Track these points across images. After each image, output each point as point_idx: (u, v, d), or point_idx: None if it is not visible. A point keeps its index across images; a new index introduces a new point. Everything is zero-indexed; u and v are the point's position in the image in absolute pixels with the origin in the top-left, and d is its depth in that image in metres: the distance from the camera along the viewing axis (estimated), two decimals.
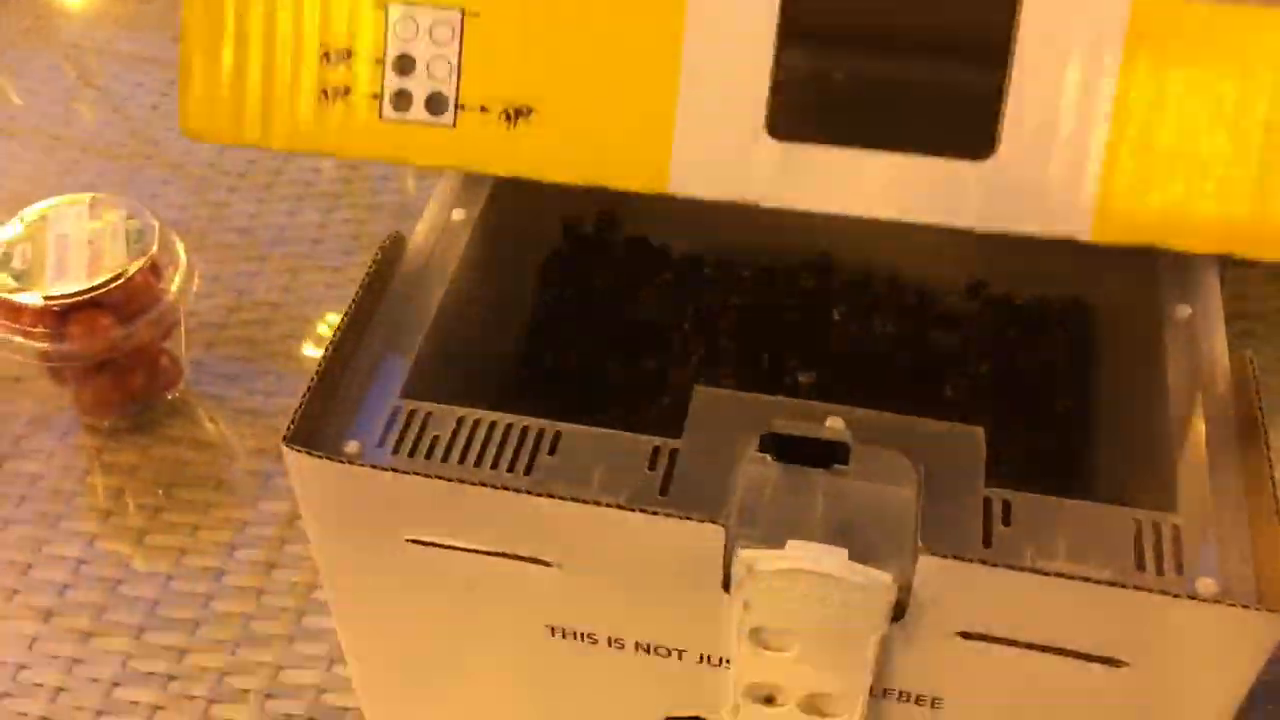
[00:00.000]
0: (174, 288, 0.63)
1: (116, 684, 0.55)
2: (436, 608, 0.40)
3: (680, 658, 0.39)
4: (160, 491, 0.63)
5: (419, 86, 0.36)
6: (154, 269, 0.62)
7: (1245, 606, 0.32)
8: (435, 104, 0.36)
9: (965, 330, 0.55)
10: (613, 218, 0.56)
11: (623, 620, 0.39)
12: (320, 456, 0.36)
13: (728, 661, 0.39)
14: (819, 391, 0.51)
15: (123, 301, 0.60)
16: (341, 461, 0.37)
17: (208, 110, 0.37)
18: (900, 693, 0.38)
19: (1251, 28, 0.32)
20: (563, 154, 0.35)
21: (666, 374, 0.52)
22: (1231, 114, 0.32)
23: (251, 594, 0.59)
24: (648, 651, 0.39)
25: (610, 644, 0.40)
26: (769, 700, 0.39)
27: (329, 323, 0.71)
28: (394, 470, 0.37)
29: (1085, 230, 0.33)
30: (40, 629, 0.57)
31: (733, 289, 0.55)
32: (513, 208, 0.48)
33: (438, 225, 0.45)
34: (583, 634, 0.40)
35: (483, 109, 0.36)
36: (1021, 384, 0.51)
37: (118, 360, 0.62)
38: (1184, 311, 0.41)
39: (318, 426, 0.38)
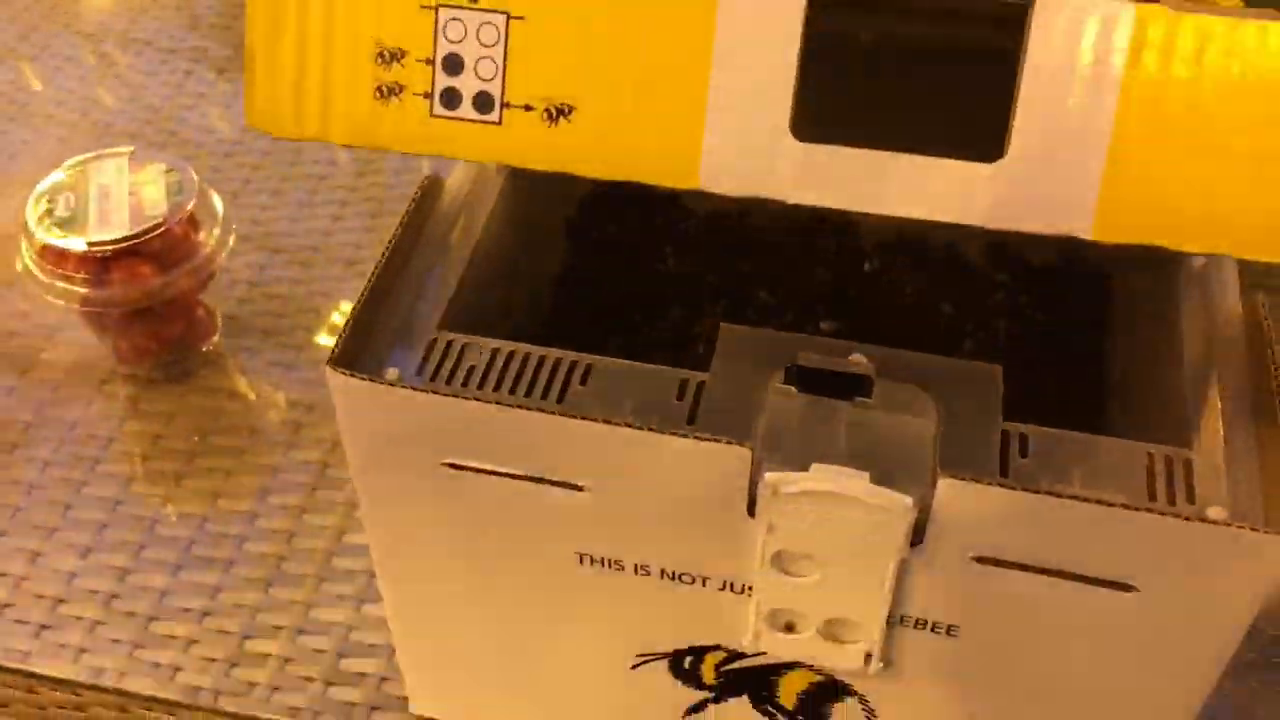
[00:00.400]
0: (212, 240, 0.64)
1: (153, 618, 0.57)
2: (470, 534, 0.42)
3: (704, 584, 0.41)
4: (195, 438, 0.65)
5: (467, 86, 0.38)
6: (192, 221, 0.64)
7: (1253, 529, 0.33)
8: (482, 103, 0.38)
9: (987, 288, 0.56)
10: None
11: (649, 547, 0.40)
12: (363, 378, 0.38)
13: (750, 589, 0.40)
14: (841, 339, 0.52)
15: (162, 251, 0.62)
16: (383, 384, 0.38)
17: (272, 105, 0.39)
18: (917, 620, 0.39)
19: (1253, 36, 0.33)
20: (600, 151, 0.37)
21: (692, 323, 0.53)
22: (1233, 120, 0.34)
23: (283, 536, 0.60)
24: (673, 579, 0.41)
25: (636, 571, 0.41)
26: (789, 628, 0.41)
27: (359, 281, 0.73)
28: (432, 392, 0.38)
29: (1087, 229, 0.35)
30: (79, 564, 0.59)
31: (758, 244, 0.56)
32: None
33: (471, 172, 0.47)
34: (610, 561, 0.41)
35: (527, 107, 0.38)
36: (1040, 336, 0.52)
37: (155, 309, 0.64)
38: (1198, 261, 0.43)
39: (359, 354, 0.40)
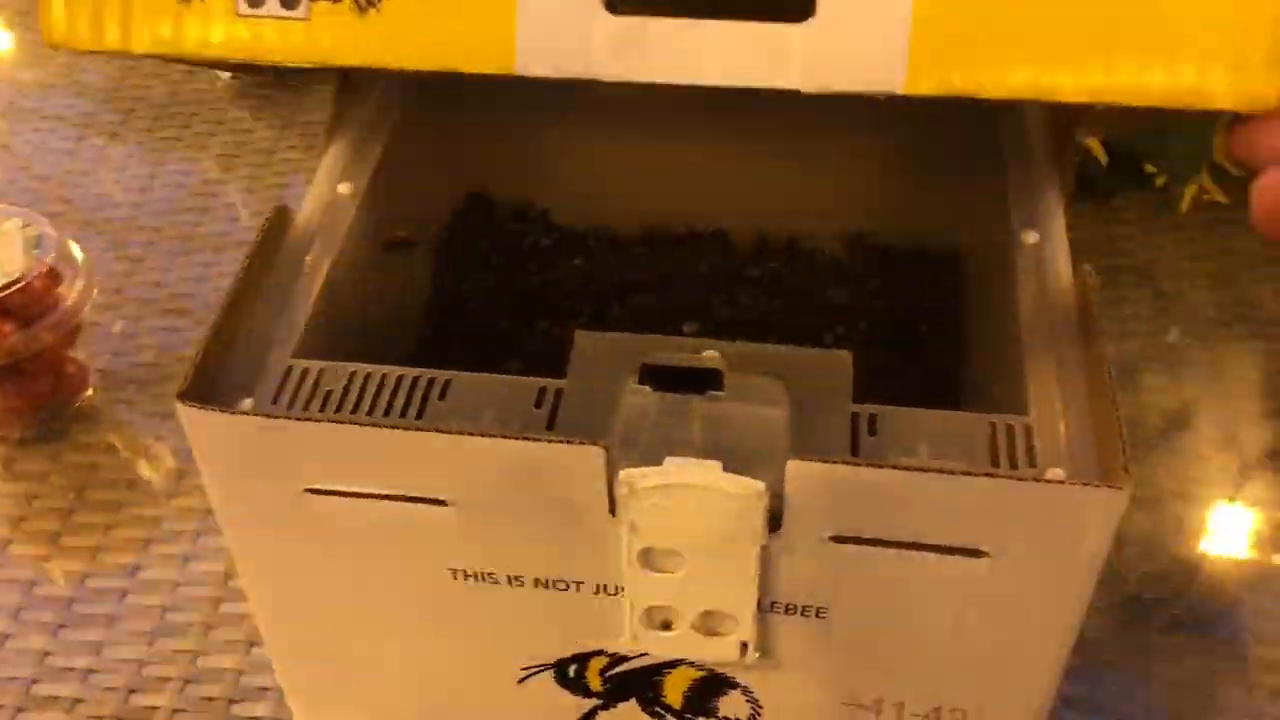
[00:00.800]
0: (74, 293, 0.63)
1: (35, 680, 0.56)
2: (340, 559, 0.42)
3: (578, 589, 0.41)
4: (72, 495, 0.64)
5: None
6: (53, 275, 0.63)
7: (1088, 485, 0.35)
8: None
9: (846, 282, 0.57)
10: (485, 197, 0.58)
11: (520, 557, 0.41)
12: (215, 410, 0.38)
13: (622, 590, 0.40)
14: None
15: (22, 306, 0.61)
16: (236, 414, 0.38)
17: (68, 19, 0.38)
18: (787, 605, 0.40)
19: None
20: (413, 41, 0.37)
21: (560, 338, 0.54)
22: None
23: (168, 586, 0.59)
24: (547, 587, 0.41)
25: (510, 582, 0.41)
26: (665, 626, 0.41)
27: None
28: (287, 419, 0.38)
29: (899, 84, 0.36)
30: None
31: (619, 255, 0.57)
32: (400, 180, 0.50)
33: (323, 199, 0.47)
34: (483, 574, 0.41)
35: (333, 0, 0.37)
36: (897, 324, 0.54)
37: (21, 367, 0.63)
38: (1031, 237, 0.44)
39: (211, 386, 0.40)
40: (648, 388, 0.39)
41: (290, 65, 0.38)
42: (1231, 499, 0.59)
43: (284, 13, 0.37)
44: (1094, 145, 0.70)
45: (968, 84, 0.36)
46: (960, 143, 0.50)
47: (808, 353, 0.41)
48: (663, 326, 0.54)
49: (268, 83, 0.88)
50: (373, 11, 0.37)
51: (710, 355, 0.40)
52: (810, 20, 0.36)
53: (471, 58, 0.37)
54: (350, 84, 0.50)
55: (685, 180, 0.58)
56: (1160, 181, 0.71)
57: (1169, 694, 0.52)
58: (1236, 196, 0.70)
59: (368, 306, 0.49)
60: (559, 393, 0.40)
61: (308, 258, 0.44)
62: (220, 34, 0.38)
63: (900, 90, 0.36)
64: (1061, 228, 0.45)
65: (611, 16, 0.37)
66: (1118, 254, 0.70)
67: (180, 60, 0.38)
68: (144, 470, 0.65)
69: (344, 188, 0.47)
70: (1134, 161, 0.70)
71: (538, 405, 0.40)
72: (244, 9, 0.38)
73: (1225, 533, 0.58)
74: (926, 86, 0.36)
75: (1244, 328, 0.67)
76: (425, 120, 0.52)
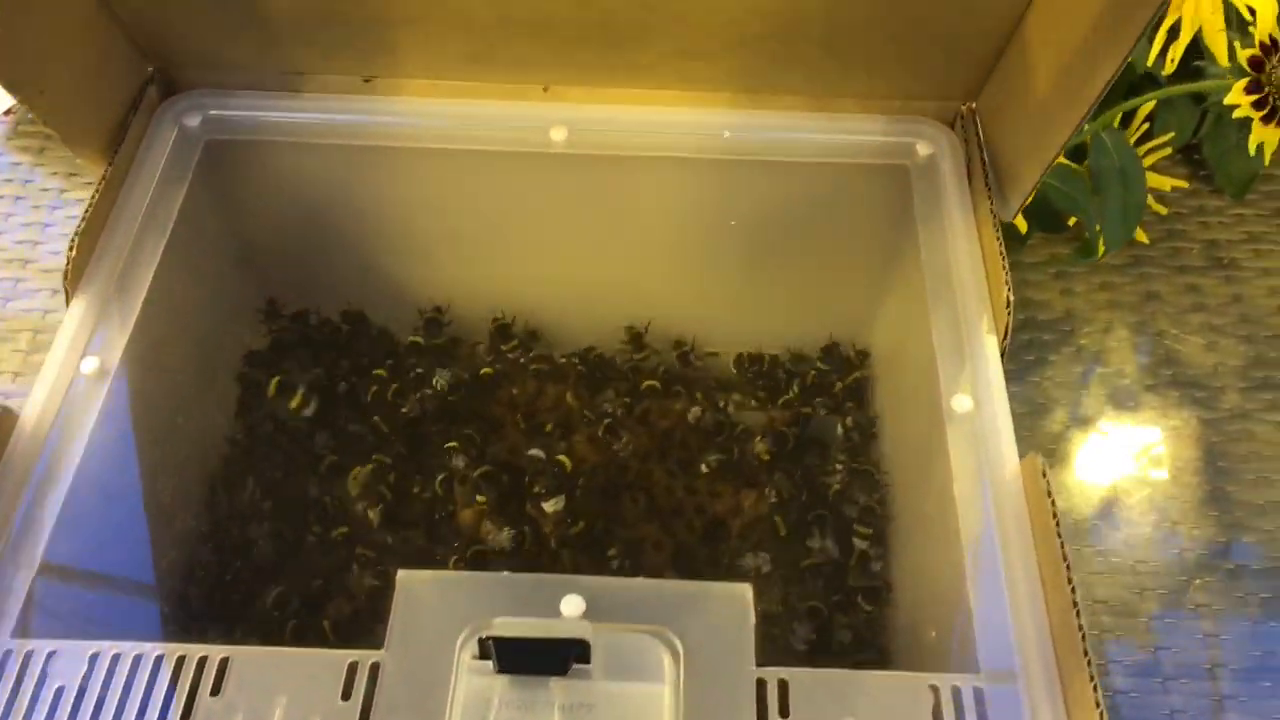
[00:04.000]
0: None
1: None
2: None
3: None
4: None
5: None
6: None
7: None
8: None
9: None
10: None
11: None
12: None
13: None
14: (568, 516, 0.44)
15: None
16: None
17: None
18: None
19: None
20: None
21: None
22: None
23: None
24: None
25: None
26: None
27: None
28: None
29: None
30: None
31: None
32: (162, 341, 0.39)
33: (61, 384, 0.36)
34: None
35: None
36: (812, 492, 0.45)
37: None
38: (964, 404, 0.36)
39: None
40: (491, 664, 0.30)
41: None
42: None
43: None
44: None
45: None
46: None
47: (697, 589, 0.32)
48: (516, 493, 0.44)
49: None
50: None
51: (572, 611, 0.31)
52: None
53: None
54: None
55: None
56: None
57: None
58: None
59: (129, 522, 0.38)
60: (375, 668, 0.30)
61: (38, 483, 0.33)
62: None
63: None
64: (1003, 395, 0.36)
65: None
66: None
67: None
68: None
69: (89, 364, 0.36)
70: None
71: (346, 695, 0.30)
72: None
73: None
74: None
75: None
76: None
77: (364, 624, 0.41)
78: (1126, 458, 0.54)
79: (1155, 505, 0.53)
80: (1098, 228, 0.52)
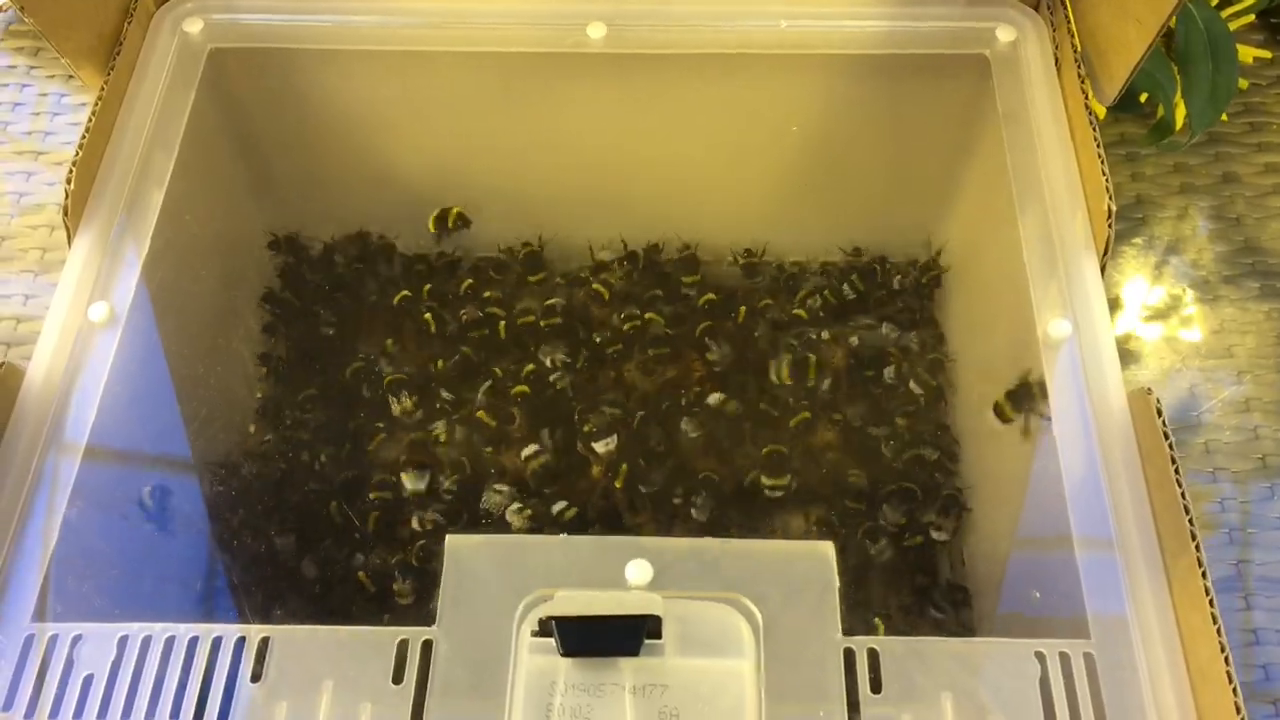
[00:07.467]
0: None
1: None
2: None
3: None
4: None
5: None
6: None
7: None
8: None
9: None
10: None
11: None
12: None
13: None
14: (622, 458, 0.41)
15: None
16: None
17: None
18: None
19: None
20: None
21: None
22: None
23: None
24: None
25: None
26: None
27: None
28: None
29: None
30: None
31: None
32: (176, 280, 0.36)
33: (68, 335, 0.33)
34: None
35: None
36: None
37: None
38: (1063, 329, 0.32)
39: None
40: (554, 641, 0.27)
41: None
42: None
43: None
44: None
45: None
46: None
47: (776, 547, 0.29)
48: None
49: None
50: None
51: (639, 580, 0.28)
52: None
53: None
54: None
55: None
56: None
57: None
58: None
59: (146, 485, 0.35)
60: (426, 646, 0.28)
61: (48, 447, 0.31)
62: None
63: None
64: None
65: None
66: None
67: None
68: None
69: (98, 311, 0.33)
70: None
71: (397, 679, 0.28)
72: None
73: None
74: None
75: None
76: None
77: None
78: (1203, 356, 0.50)
79: (1235, 408, 0.49)
80: (1177, 105, 0.48)
